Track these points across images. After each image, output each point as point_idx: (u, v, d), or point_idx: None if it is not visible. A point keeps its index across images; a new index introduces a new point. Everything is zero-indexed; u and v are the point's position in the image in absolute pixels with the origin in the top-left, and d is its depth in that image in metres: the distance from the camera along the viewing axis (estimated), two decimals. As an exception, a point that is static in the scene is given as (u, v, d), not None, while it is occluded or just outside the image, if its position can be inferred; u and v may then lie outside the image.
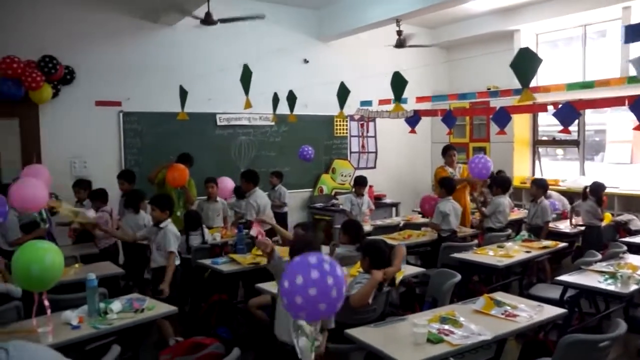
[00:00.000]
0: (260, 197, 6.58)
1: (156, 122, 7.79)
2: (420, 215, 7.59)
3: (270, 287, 4.05)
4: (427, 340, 2.97)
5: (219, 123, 8.36)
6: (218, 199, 6.80)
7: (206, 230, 5.86)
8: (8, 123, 6.86)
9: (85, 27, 7.25)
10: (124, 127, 7.62)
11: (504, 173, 7.93)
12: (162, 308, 3.74)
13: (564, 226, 6.86)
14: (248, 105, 5.87)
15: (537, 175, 9.50)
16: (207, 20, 6.71)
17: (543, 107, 5.55)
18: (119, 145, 7.61)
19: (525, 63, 3.81)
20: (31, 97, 6.65)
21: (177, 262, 4.85)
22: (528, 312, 3.46)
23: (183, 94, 6.71)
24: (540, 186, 6.66)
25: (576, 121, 5.53)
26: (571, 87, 4.76)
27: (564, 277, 4.36)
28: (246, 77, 5.81)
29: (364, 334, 3.12)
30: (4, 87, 6.43)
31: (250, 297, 4.92)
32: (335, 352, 3.60)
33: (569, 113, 4.65)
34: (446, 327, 3.18)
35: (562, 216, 7.38)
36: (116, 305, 3.59)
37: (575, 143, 9.12)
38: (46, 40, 6.87)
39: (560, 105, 4.82)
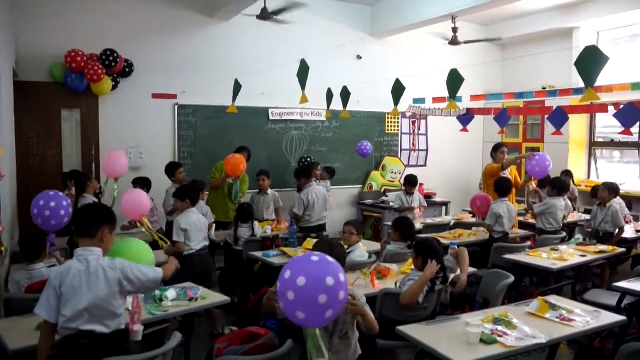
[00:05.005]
0: (309, 192, 6.51)
1: (210, 115, 7.93)
2: (471, 215, 7.48)
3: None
4: (480, 340, 2.94)
5: (271, 117, 8.44)
6: (269, 191, 6.89)
7: (256, 224, 5.93)
8: (70, 114, 7.14)
9: (144, 21, 7.45)
10: (179, 119, 7.78)
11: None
12: (215, 298, 3.83)
13: (621, 231, 6.62)
14: (304, 100, 5.90)
15: (593, 178, 9.24)
16: (263, 15, 6.77)
17: (604, 108, 5.38)
18: (173, 137, 7.78)
19: (591, 61, 3.71)
20: (92, 89, 6.92)
21: None
22: (584, 318, 3.38)
23: (237, 87, 6.79)
24: (611, 190, 6.38)
25: (638, 122, 5.34)
26: (636, 86, 4.60)
27: (623, 284, 4.23)
28: (303, 72, 5.84)
29: (416, 331, 3.11)
30: (68, 80, 6.72)
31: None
32: (384, 349, 3.61)
33: (631, 114, 4.52)
34: (500, 328, 3.14)
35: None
36: (171, 293, 3.68)
37: (636, 145, 8.79)
38: (107, 34, 7.08)
39: (622, 106, 4.68)
